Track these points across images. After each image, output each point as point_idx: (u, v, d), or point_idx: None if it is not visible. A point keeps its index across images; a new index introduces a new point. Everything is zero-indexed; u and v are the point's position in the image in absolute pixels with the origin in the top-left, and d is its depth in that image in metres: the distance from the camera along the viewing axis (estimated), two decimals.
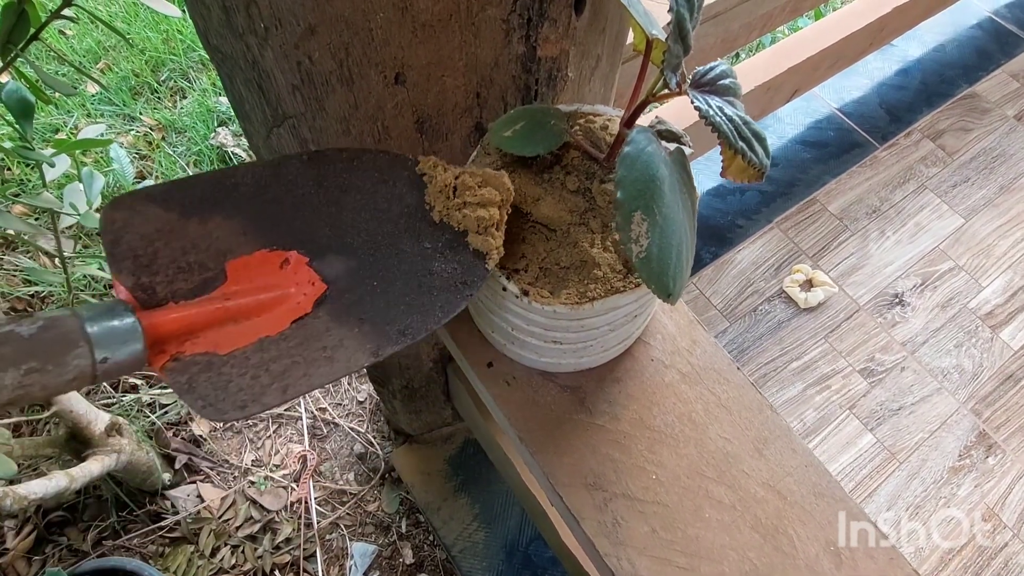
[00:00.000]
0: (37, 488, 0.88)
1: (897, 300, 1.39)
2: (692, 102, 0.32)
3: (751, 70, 1.15)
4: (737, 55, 1.76)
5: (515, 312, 0.41)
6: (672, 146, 0.38)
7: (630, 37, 0.46)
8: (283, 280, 0.34)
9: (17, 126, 0.75)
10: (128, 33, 1.60)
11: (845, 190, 1.53)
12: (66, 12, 0.72)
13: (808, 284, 1.39)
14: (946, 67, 1.74)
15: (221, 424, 1.28)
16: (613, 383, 0.50)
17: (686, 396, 0.50)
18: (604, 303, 0.38)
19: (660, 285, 0.31)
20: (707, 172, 1.45)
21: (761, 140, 0.33)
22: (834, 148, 1.58)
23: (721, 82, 0.34)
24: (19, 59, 0.70)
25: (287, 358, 0.33)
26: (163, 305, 0.31)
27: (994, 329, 1.37)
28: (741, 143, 0.32)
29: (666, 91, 0.33)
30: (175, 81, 1.59)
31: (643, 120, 0.39)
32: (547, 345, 0.44)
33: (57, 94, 1.42)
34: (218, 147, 1.50)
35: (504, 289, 0.39)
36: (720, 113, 0.32)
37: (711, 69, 0.34)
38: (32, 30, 0.71)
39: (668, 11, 0.29)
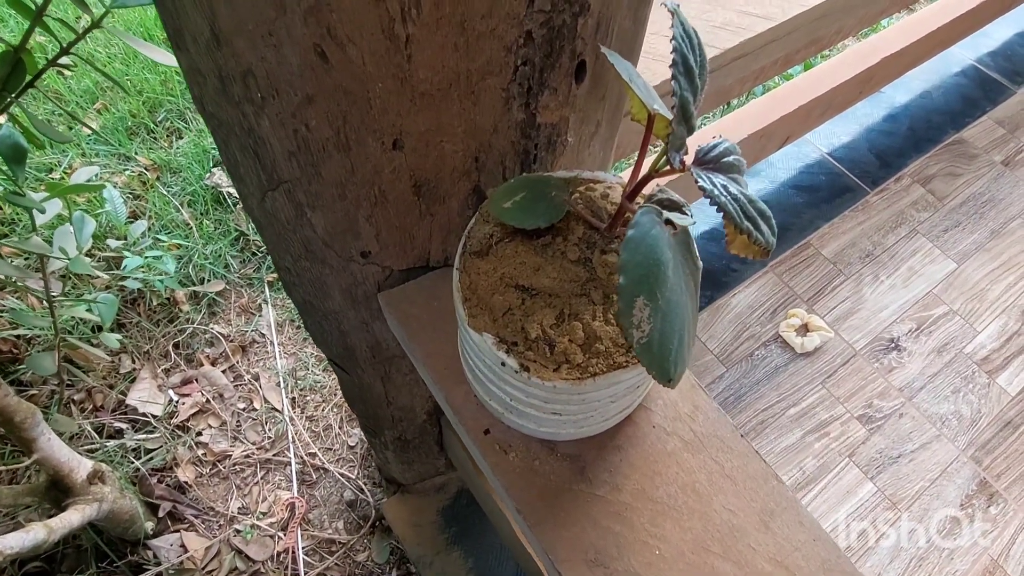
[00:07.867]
0: (13, 542, 0.85)
1: (893, 345, 1.38)
2: (696, 182, 0.31)
3: (744, 118, 1.16)
4: (729, 103, 1.79)
5: (514, 385, 0.40)
6: (676, 217, 0.37)
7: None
8: None
9: (8, 170, 0.74)
10: (126, 75, 1.61)
11: (838, 234, 1.53)
12: (63, 59, 0.72)
13: (804, 329, 1.38)
14: (933, 113, 1.77)
15: (207, 470, 1.25)
16: (614, 451, 0.49)
17: (689, 465, 0.49)
18: (606, 378, 0.37)
19: (661, 371, 0.30)
20: (701, 215, 1.45)
21: (767, 218, 0.33)
22: (826, 193, 1.59)
23: (725, 159, 0.33)
24: (13, 105, 0.69)
25: None
26: None
27: (990, 374, 1.36)
28: (747, 223, 0.31)
29: (668, 168, 0.33)
30: (172, 122, 1.60)
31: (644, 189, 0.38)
32: (546, 416, 0.43)
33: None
34: (212, 187, 1.49)
35: (503, 364, 0.37)
36: (725, 192, 0.31)
37: (715, 147, 0.33)
38: (28, 77, 0.70)
39: (672, 95, 0.29)
